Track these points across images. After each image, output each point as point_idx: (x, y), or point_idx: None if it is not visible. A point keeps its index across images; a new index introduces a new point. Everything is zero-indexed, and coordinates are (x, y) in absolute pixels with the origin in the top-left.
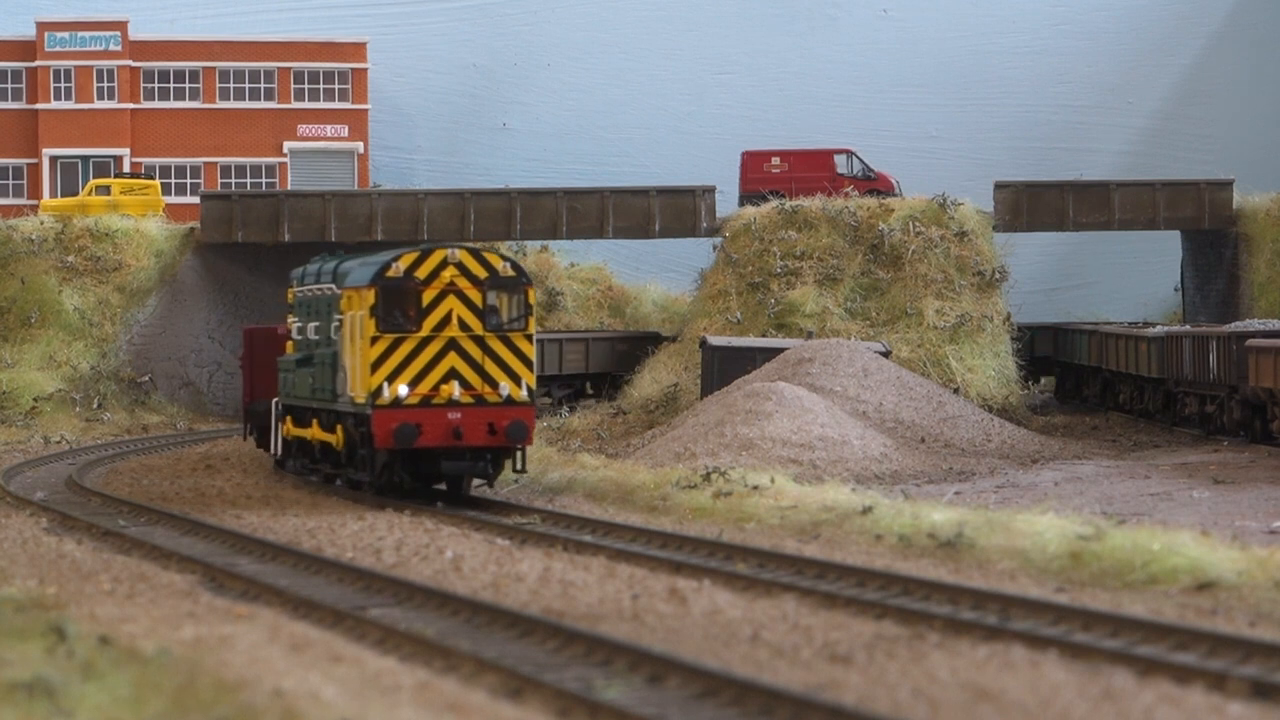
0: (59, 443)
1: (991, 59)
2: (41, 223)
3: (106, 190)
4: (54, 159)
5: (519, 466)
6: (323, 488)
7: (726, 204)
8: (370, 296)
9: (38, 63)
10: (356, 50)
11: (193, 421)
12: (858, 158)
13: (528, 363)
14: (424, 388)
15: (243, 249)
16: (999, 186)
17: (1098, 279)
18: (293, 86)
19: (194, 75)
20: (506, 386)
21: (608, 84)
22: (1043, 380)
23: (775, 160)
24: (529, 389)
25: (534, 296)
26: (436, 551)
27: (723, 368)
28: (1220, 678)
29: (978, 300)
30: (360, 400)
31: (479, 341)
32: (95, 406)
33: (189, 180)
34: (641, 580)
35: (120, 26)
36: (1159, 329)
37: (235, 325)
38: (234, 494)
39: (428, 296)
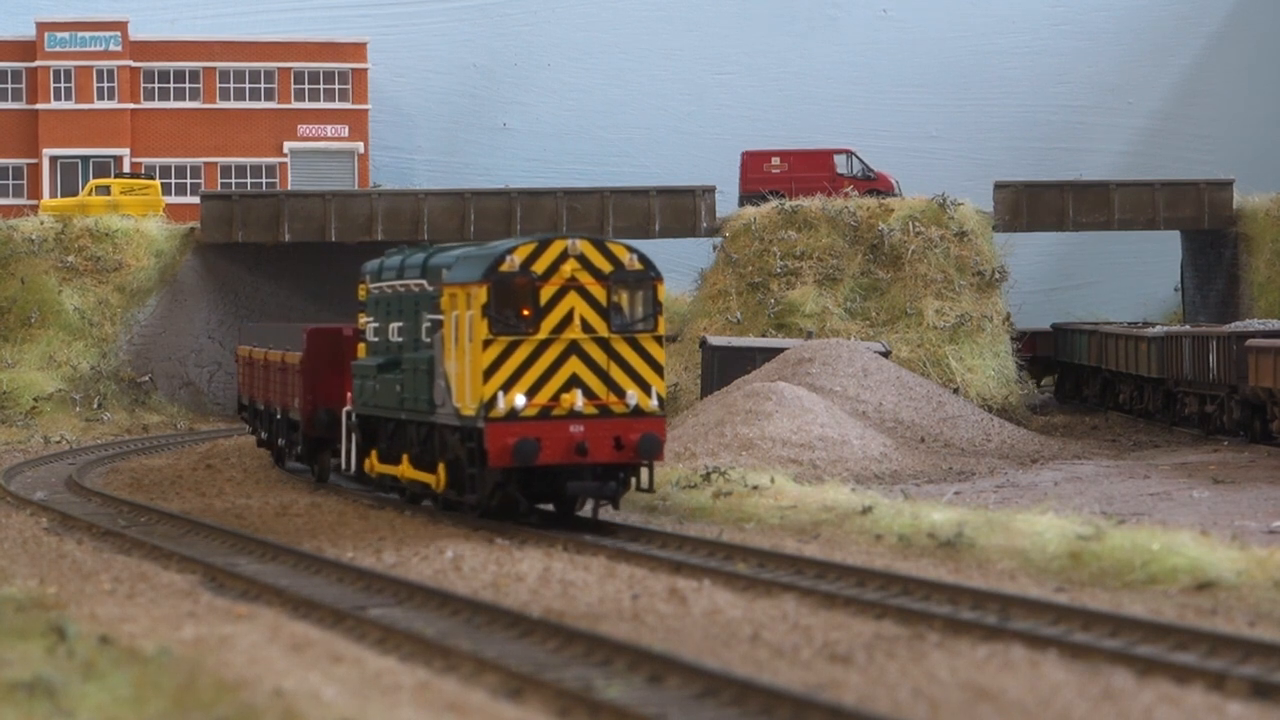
0: (59, 442)
1: (991, 59)
2: (42, 223)
3: (106, 190)
4: (54, 159)
5: (645, 485)
6: (321, 488)
7: (726, 204)
8: (482, 294)
9: (38, 63)
10: (357, 50)
11: (193, 421)
12: (858, 158)
13: (658, 368)
14: (542, 397)
15: (243, 249)
16: (999, 186)
17: (1098, 279)
18: (293, 86)
19: (194, 75)
20: (634, 395)
21: (608, 84)
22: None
23: (775, 160)
24: (659, 397)
25: (664, 292)
26: (437, 551)
27: (723, 368)
28: (1220, 677)
29: (977, 300)
30: (469, 412)
31: (603, 344)
32: (95, 406)
33: (189, 180)
34: (641, 580)
35: (120, 27)
36: (1159, 329)
37: (235, 325)
38: (234, 494)
39: (546, 293)
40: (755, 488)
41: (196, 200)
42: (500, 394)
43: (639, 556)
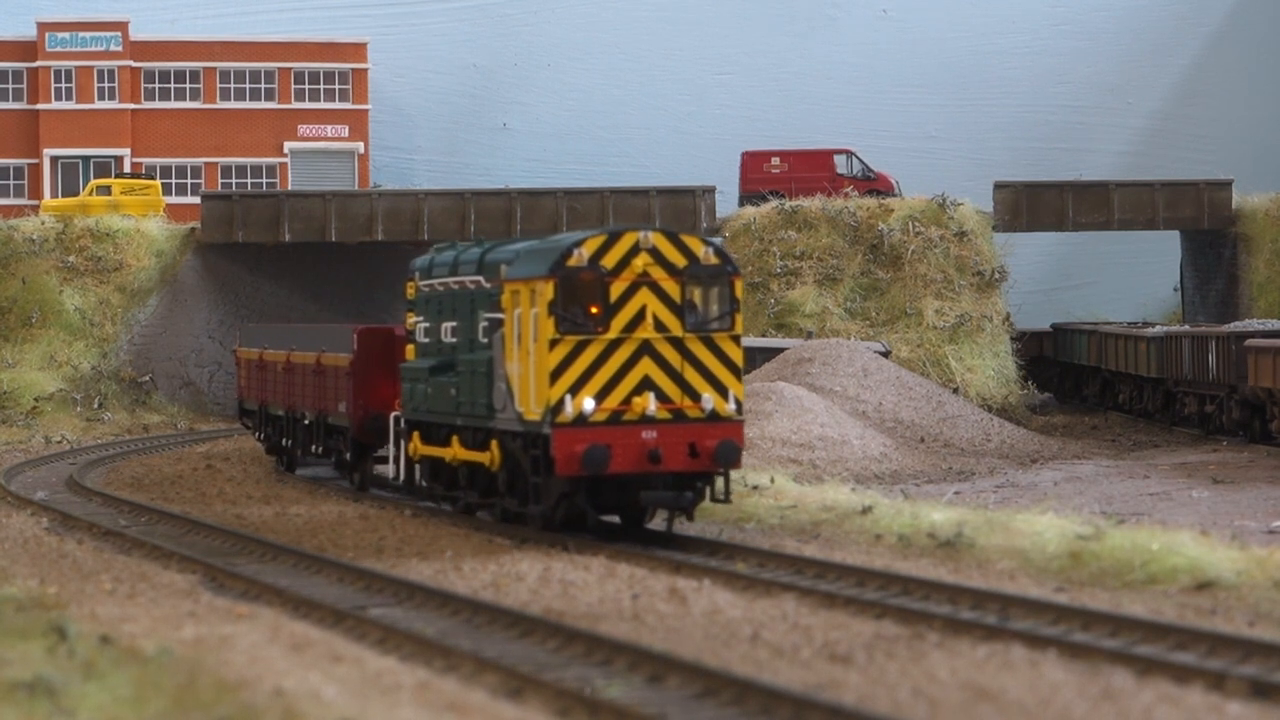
0: (60, 442)
1: (991, 59)
2: (42, 223)
3: (107, 190)
4: (55, 159)
5: (720, 495)
6: (320, 487)
7: (726, 204)
8: (548, 290)
9: (39, 63)
10: (357, 50)
11: (193, 421)
12: (857, 158)
13: (735, 370)
14: (612, 401)
15: (243, 249)
16: (998, 186)
17: (1097, 279)
18: (293, 87)
19: (194, 75)
20: (710, 399)
21: (608, 84)
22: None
23: (775, 160)
24: (737, 401)
25: (741, 288)
26: (437, 551)
27: None
28: (1219, 677)
29: (977, 300)
30: (533, 417)
31: (677, 344)
32: (96, 406)
33: (189, 180)
34: (641, 580)
35: (121, 27)
36: (1158, 329)
37: (235, 325)
38: (235, 494)
39: (617, 290)
40: (755, 488)
41: (197, 200)
42: (568, 397)
43: (639, 556)
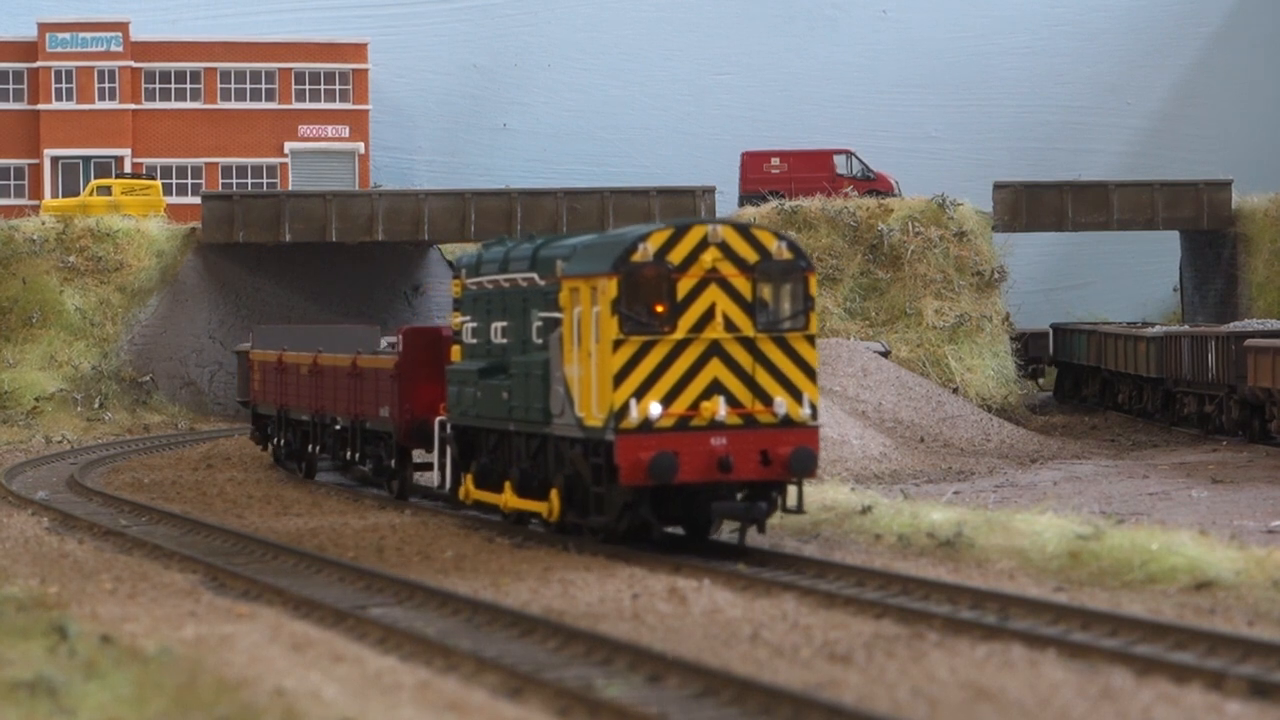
0: (60, 442)
1: (991, 59)
2: (43, 223)
3: (108, 190)
4: (55, 159)
5: (793, 505)
6: (321, 486)
7: (726, 204)
8: (611, 287)
9: (39, 63)
10: (357, 51)
11: (194, 421)
12: (857, 158)
13: (810, 372)
14: (679, 406)
15: (244, 249)
16: (998, 187)
17: (1097, 279)
18: (294, 87)
19: (195, 76)
20: (783, 403)
21: (608, 84)
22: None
23: (775, 160)
24: (811, 405)
25: (815, 285)
26: (438, 551)
27: None
28: (1218, 677)
29: (977, 300)
30: (594, 423)
31: (748, 345)
32: (97, 406)
33: (190, 180)
34: (641, 579)
35: (121, 27)
36: (1158, 329)
37: (236, 325)
38: (235, 493)
39: (684, 287)
40: None
41: (197, 200)
42: (633, 402)
43: (639, 555)
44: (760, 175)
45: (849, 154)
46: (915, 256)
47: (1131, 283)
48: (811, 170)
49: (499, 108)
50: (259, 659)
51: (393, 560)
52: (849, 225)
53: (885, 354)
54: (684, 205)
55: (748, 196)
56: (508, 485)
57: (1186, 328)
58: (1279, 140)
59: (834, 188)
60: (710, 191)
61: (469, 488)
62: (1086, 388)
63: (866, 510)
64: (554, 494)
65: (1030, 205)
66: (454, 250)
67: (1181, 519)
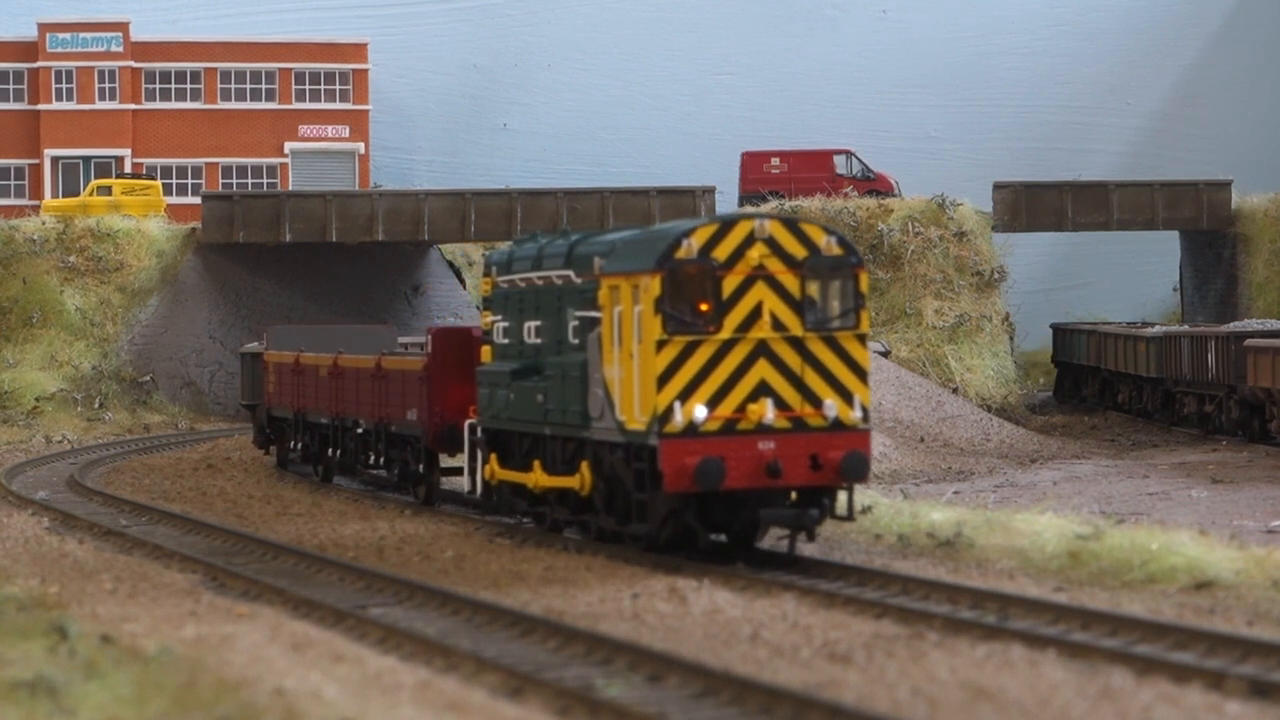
0: (61, 442)
1: (991, 59)
2: (43, 223)
3: (108, 190)
4: (56, 159)
5: (844, 512)
6: (321, 487)
7: (726, 204)
8: (654, 285)
9: (39, 63)
10: (357, 51)
11: (194, 421)
12: (857, 158)
13: (861, 372)
14: (726, 409)
15: (244, 249)
16: (998, 187)
17: (1097, 279)
18: (294, 87)
19: (195, 76)
20: (833, 405)
21: (608, 84)
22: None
23: (775, 161)
24: (863, 408)
25: (867, 282)
26: (438, 551)
27: None
28: (1218, 677)
29: (976, 300)
30: (636, 426)
31: (797, 345)
32: (97, 406)
33: (190, 181)
34: (641, 579)
35: (122, 27)
36: (1157, 329)
37: (236, 325)
38: (235, 493)
39: (730, 284)
40: None
41: (198, 200)
42: (677, 405)
43: (639, 555)
44: (760, 175)
45: (849, 154)
46: (915, 256)
47: (1131, 283)
48: (811, 170)
49: (499, 108)
50: (259, 659)
51: (392, 560)
52: (849, 225)
53: (885, 354)
54: (684, 205)
55: (747, 196)
56: (537, 464)
57: (1186, 328)
58: (1279, 140)
59: (834, 188)
60: (710, 191)
61: (494, 467)
62: (1086, 388)
63: (866, 510)
64: (584, 466)
65: (1030, 205)
66: (454, 250)
67: (1181, 519)
